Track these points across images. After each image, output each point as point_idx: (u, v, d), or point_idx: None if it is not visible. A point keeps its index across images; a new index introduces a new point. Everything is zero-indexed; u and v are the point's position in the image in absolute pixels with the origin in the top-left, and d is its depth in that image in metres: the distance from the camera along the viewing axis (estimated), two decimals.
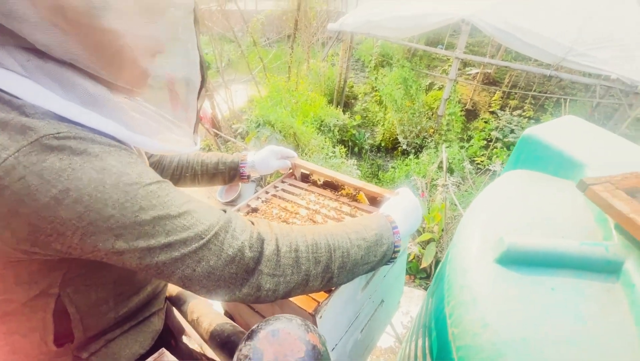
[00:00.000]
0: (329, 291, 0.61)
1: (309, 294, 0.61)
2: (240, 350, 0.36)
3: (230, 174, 0.92)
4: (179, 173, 0.88)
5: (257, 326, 0.39)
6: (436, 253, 3.04)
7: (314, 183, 0.95)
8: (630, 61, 3.09)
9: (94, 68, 0.43)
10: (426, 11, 3.63)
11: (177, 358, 0.54)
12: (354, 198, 0.86)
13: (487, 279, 0.48)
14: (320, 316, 0.59)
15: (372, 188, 0.81)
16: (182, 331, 0.77)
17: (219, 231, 0.45)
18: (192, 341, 0.74)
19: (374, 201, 0.83)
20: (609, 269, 0.43)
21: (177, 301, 0.75)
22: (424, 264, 2.84)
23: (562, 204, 0.56)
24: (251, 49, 5.78)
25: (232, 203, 3.80)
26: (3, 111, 0.37)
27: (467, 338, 0.45)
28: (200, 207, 0.47)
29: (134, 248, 0.41)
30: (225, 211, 0.50)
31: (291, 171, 1.00)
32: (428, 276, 3.04)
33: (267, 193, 0.93)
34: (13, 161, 0.36)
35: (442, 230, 3.00)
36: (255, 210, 0.86)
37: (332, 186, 0.92)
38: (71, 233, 0.39)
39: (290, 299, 0.60)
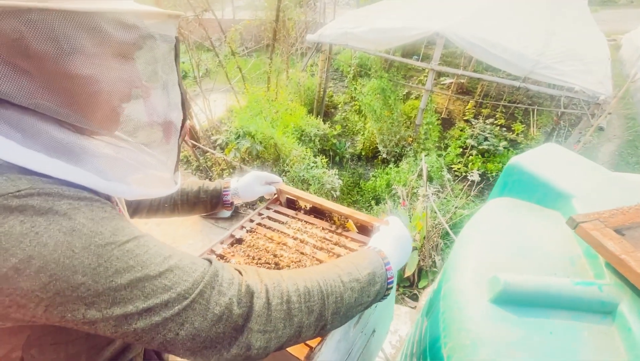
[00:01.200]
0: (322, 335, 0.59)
1: None
2: None
3: (213, 203, 0.88)
4: (157, 204, 0.83)
5: None
6: (419, 261, 3.07)
7: (300, 209, 0.93)
8: (590, 74, 3.30)
9: (62, 114, 0.39)
10: (402, 25, 3.73)
11: None
12: (342, 226, 0.84)
13: (485, 321, 0.47)
14: None
15: (361, 216, 0.79)
16: None
17: (204, 289, 0.41)
18: None
19: (363, 229, 0.81)
20: (604, 310, 0.43)
21: None
22: (408, 273, 2.86)
23: (550, 236, 0.56)
24: (229, 58, 5.71)
25: (212, 215, 3.68)
26: None
27: None
28: (183, 261, 0.43)
29: (109, 316, 0.37)
30: (210, 262, 0.46)
31: (276, 196, 0.97)
32: (411, 285, 3.07)
33: (251, 221, 0.89)
34: None
35: (424, 238, 3.05)
36: (240, 241, 0.82)
37: (319, 212, 0.90)
38: (34, 305, 0.34)
39: None
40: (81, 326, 0.37)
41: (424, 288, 3.02)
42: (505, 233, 0.60)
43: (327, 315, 0.49)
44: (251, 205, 3.93)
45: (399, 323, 1.48)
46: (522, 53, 3.45)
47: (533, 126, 5.29)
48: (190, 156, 4.46)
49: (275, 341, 0.45)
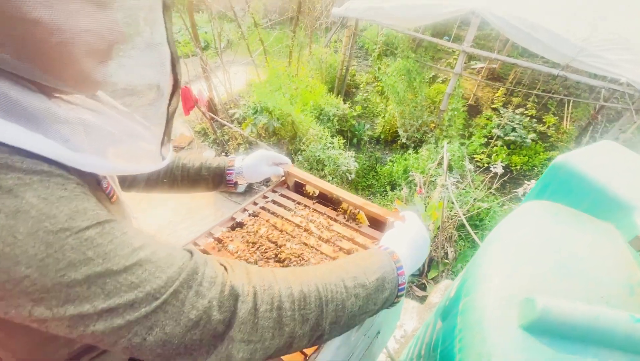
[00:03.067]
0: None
1: None
2: None
3: (215, 181, 0.82)
4: (155, 178, 0.77)
5: None
6: (431, 251, 3.00)
7: (308, 195, 0.85)
8: None
9: (20, 69, 0.32)
10: (436, 1, 3.46)
11: None
12: (352, 217, 0.76)
13: (514, 351, 0.39)
14: None
15: (374, 208, 0.71)
16: None
17: (179, 288, 0.35)
18: None
19: (375, 222, 0.73)
20: None
21: None
22: None
23: (603, 254, 0.47)
24: (252, 30, 5.54)
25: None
26: None
27: None
28: (157, 254, 0.37)
29: (60, 316, 0.31)
30: (192, 253, 0.40)
31: (284, 179, 0.89)
32: (421, 274, 3.01)
33: (255, 204, 0.83)
34: None
35: (438, 228, 2.95)
36: (241, 225, 0.77)
37: (328, 200, 0.82)
38: None
39: None
40: (30, 323, 0.32)
41: (433, 278, 2.95)
42: (543, 244, 0.50)
43: (324, 324, 0.43)
44: (265, 182, 3.90)
45: (405, 317, 1.42)
46: (564, 38, 3.14)
47: (566, 119, 4.94)
48: (207, 128, 4.43)
49: (261, 352, 0.39)
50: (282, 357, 0.51)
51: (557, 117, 4.88)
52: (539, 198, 0.62)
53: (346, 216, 0.77)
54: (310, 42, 5.27)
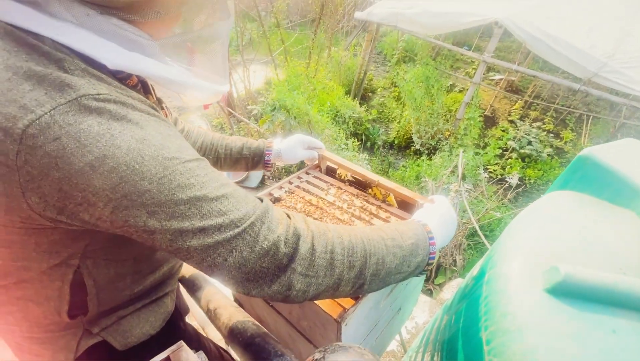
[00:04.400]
0: (356, 298, 0.58)
1: (335, 300, 0.58)
2: None
3: (254, 161, 0.88)
4: (201, 155, 0.84)
5: (322, 356, 0.35)
6: (439, 257, 3.01)
7: (340, 178, 0.91)
8: None
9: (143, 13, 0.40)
10: (460, 10, 3.50)
11: (184, 340, 0.52)
12: (382, 200, 0.82)
13: (537, 309, 0.44)
14: (346, 324, 0.55)
15: (405, 191, 0.76)
16: (187, 311, 0.76)
17: (255, 221, 0.42)
18: (192, 319, 0.71)
19: (404, 205, 0.79)
20: None
21: (190, 285, 0.73)
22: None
23: (620, 233, 0.51)
24: (273, 30, 5.66)
25: (240, 183, 3.77)
26: (41, 63, 0.34)
27: None
28: (237, 192, 0.43)
29: (166, 228, 0.38)
30: (262, 200, 0.46)
31: (317, 162, 0.95)
32: (428, 279, 3.02)
33: (290, 183, 0.89)
34: (48, 119, 0.32)
35: None
36: (278, 200, 0.83)
37: (358, 183, 0.88)
38: (103, 204, 0.35)
39: (316, 302, 0.57)
40: (141, 235, 0.38)
41: (439, 285, 2.96)
42: (566, 225, 0.55)
43: (366, 274, 0.48)
44: (277, 179, 3.97)
45: (417, 310, 1.47)
46: (588, 53, 3.14)
47: (585, 136, 4.89)
48: (224, 123, 4.54)
49: (314, 287, 0.45)
50: (325, 310, 0.57)
51: (575, 134, 4.83)
52: (562, 188, 0.66)
53: (377, 199, 0.82)
54: (330, 45, 5.36)
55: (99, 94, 0.35)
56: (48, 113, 0.32)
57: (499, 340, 0.46)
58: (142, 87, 0.51)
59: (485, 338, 0.49)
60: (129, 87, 0.41)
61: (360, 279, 0.48)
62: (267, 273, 0.42)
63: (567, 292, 0.44)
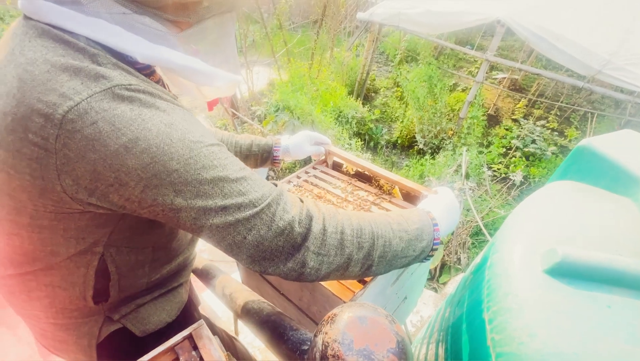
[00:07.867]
0: (364, 283, 0.61)
1: (344, 284, 0.61)
2: (326, 333, 0.34)
3: (263, 157, 0.91)
4: None
5: (340, 311, 0.38)
6: (443, 255, 3.02)
7: (346, 173, 0.94)
8: None
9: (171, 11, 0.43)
10: (461, 9, 3.51)
11: None
12: (388, 192, 0.84)
13: (536, 288, 0.47)
14: None
15: (409, 183, 0.79)
16: (198, 302, 0.79)
17: (271, 202, 0.45)
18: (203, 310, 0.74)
19: (409, 197, 0.81)
20: None
21: (205, 275, 0.76)
22: (431, 266, 2.83)
23: (617, 219, 0.54)
24: (276, 31, 5.71)
25: None
26: (76, 58, 0.38)
27: (512, 345, 0.44)
28: (254, 176, 0.47)
29: (191, 206, 0.41)
30: (276, 185, 0.50)
31: (324, 158, 0.98)
32: (432, 278, 3.03)
33: (298, 177, 0.92)
34: (86, 106, 0.36)
35: (452, 234, 2.98)
36: None
37: (364, 177, 0.90)
38: (134, 183, 0.39)
39: (326, 285, 0.59)
40: (167, 213, 0.41)
41: (444, 283, 2.97)
42: (566, 212, 0.57)
43: (374, 255, 0.51)
44: (280, 179, 4.00)
45: (420, 304, 1.49)
46: (591, 50, 3.14)
47: (589, 134, 4.88)
48: (228, 124, 4.59)
49: (326, 265, 0.48)
50: (335, 293, 0.60)
51: (580, 132, 4.82)
52: (562, 178, 0.69)
53: (382, 191, 0.85)
54: (332, 45, 5.39)
55: (130, 84, 0.39)
56: (85, 100, 0.36)
57: (501, 318, 0.48)
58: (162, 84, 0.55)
59: (488, 317, 0.52)
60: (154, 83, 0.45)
61: (369, 260, 0.51)
62: (282, 252, 0.45)
63: (565, 272, 0.46)
